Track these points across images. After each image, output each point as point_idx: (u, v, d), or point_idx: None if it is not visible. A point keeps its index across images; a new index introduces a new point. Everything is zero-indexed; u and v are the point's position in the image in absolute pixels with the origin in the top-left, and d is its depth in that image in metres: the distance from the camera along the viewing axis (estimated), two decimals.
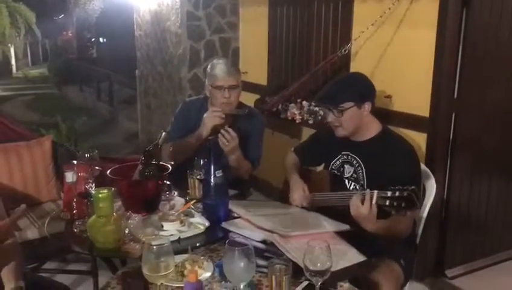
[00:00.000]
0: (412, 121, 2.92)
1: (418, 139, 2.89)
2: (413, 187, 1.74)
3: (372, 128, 2.15)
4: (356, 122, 2.11)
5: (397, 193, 1.75)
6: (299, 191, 2.19)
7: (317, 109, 3.50)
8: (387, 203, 1.77)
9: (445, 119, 2.85)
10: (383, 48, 3.09)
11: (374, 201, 1.80)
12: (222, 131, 2.38)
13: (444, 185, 2.93)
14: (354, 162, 2.16)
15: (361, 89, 2.14)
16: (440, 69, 2.76)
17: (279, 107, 3.89)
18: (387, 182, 1.84)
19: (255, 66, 4.46)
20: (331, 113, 2.13)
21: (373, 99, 2.15)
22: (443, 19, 2.70)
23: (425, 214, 2.23)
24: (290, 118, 3.84)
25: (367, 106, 2.10)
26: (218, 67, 2.53)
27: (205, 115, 2.48)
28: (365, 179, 2.10)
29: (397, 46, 3.02)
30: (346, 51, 3.25)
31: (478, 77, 2.87)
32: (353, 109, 2.08)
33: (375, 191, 1.81)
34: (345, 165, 2.19)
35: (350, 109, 2.08)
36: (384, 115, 2.98)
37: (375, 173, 2.08)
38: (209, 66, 2.62)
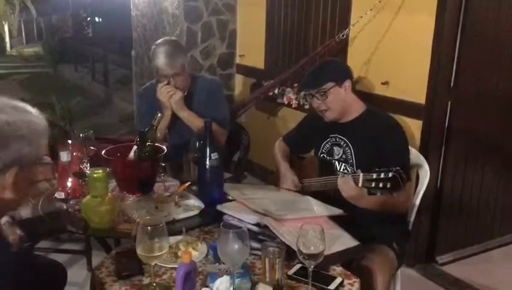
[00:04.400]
0: (408, 108, 2.92)
1: (414, 126, 2.90)
2: (397, 168, 1.77)
3: (356, 108, 2.20)
4: (341, 102, 2.15)
5: (382, 175, 1.78)
6: (288, 183, 2.23)
7: (302, 97, 3.50)
8: (373, 185, 1.80)
9: (441, 107, 2.86)
10: (381, 34, 3.07)
11: (359, 184, 1.83)
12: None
13: (438, 172, 2.95)
14: (342, 143, 2.19)
15: (338, 69, 2.23)
16: (438, 57, 2.75)
17: (276, 91, 3.88)
18: (375, 159, 1.87)
19: (252, 49, 4.44)
20: (315, 98, 2.16)
21: (351, 77, 2.23)
22: (442, 5, 2.69)
23: (418, 201, 2.25)
24: (286, 102, 3.83)
25: (347, 84, 2.16)
26: (159, 57, 2.52)
27: (158, 95, 2.54)
28: (354, 158, 2.14)
29: (395, 32, 3.00)
30: (344, 36, 3.23)
31: (475, 66, 2.87)
32: (335, 89, 2.13)
33: (360, 175, 1.83)
34: (334, 148, 2.23)
35: (332, 88, 2.13)
36: (381, 101, 3.00)
37: (362, 151, 2.11)
38: (151, 50, 2.60)
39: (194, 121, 2.56)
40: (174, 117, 2.61)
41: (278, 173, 2.34)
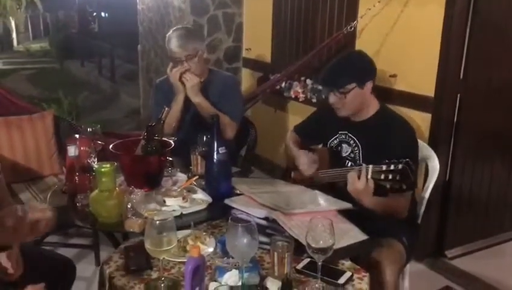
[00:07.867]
0: (417, 101, 2.89)
1: (422, 120, 2.87)
2: (407, 160, 1.75)
3: (371, 108, 2.16)
4: (358, 102, 2.11)
5: (392, 166, 1.76)
6: (306, 156, 2.21)
7: (320, 88, 3.48)
8: (382, 177, 1.78)
9: (450, 100, 2.83)
10: (390, 26, 3.04)
11: (369, 175, 1.80)
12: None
13: (447, 166, 2.92)
14: (351, 142, 2.17)
15: (362, 69, 2.14)
16: (447, 49, 2.72)
17: (283, 85, 3.86)
18: (382, 160, 1.84)
19: (259, 42, 4.42)
20: (333, 94, 2.12)
21: (374, 77, 2.15)
22: None
23: (427, 195, 2.24)
24: (293, 96, 3.81)
25: (369, 85, 2.11)
26: (172, 41, 2.59)
27: (170, 78, 2.62)
28: (361, 159, 2.11)
29: (404, 24, 2.97)
30: (352, 29, 3.20)
31: (485, 58, 2.83)
32: (356, 90, 2.08)
33: (370, 166, 1.82)
34: (343, 145, 2.20)
35: (353, 90, 2.07)
36: (389, 95, 2.97)
37: (371, 153, 2.08)
38: (166, 37, 2.67)
39: (206, 108, 2.59)
40: (184, 109, 2.63)
41: (292, 160, 2.32)
